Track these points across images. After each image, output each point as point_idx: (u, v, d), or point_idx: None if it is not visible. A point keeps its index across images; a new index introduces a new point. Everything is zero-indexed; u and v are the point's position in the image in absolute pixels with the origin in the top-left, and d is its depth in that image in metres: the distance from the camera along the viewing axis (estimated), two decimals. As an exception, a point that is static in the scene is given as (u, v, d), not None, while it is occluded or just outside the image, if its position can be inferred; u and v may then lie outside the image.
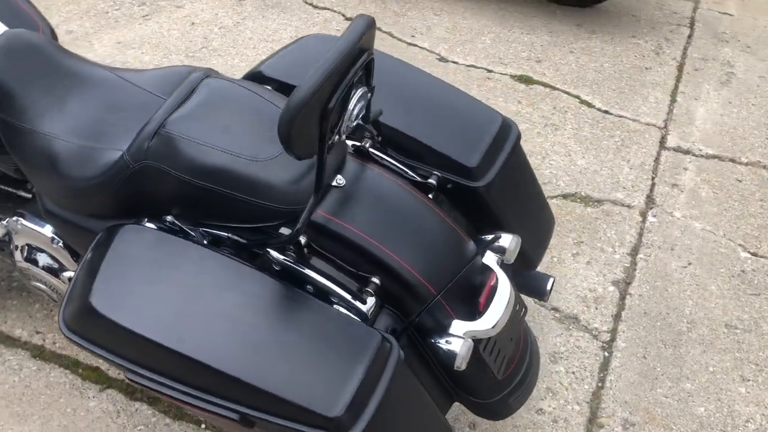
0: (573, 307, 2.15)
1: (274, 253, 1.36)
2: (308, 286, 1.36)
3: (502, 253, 1.51)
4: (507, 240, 1.52)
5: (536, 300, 1.90)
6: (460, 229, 1.50)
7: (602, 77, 3.19)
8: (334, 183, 1.40)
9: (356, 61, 1.19)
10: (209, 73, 1.54)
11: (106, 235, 1.39)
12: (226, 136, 1.39)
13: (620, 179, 2.64)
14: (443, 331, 1.39)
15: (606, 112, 2.99)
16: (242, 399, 1.22)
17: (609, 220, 2.46)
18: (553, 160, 2.72)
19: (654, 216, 2.49)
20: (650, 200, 2.55)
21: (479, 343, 1.44)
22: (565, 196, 2.56)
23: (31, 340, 2.00)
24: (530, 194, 1.72)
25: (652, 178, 2.65)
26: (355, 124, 1.29)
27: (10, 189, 1.79)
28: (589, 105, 3.02)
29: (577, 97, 3.06)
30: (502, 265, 1.52)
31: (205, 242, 1.40)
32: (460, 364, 1.36)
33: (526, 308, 1.63)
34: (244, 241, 1.39)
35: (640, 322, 2.12)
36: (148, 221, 1.43)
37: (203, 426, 1.81)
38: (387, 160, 1.55)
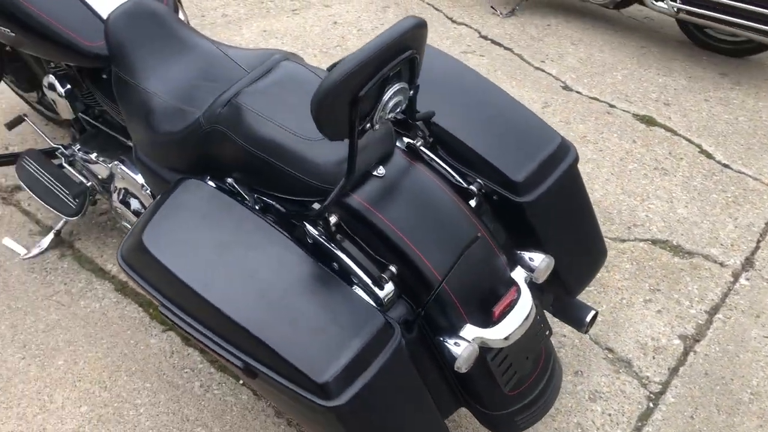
0: (629, 352, 2.08)
1: (309, 227, 1.45)
2: (334, 264, 1.44)
3: (531, 270, 1.52)
4: (538, 259, 1.52)
5: (576, 330, 1.86)
6: (492, 239, 1.52)
7: (732, 130, 3.03)
8: (375, 172, 1.47)
9: (395, 56, 1.25)
10: (288, 56, 1.66)
11: (173, 186, 1.55)
12: (287, 114, 1.50)
13: (720, 236, 2.50)
14: (454, 332, 1.42)
15: (726, 165, 2.83)
16: (248, 349, 1.32)
17: (695, 274, 2.35)
18: (653, 203, 2.62)
19: (747, 279, 2.34)
20: (748, 263, 2.40)
21: (488, 352, 1.45)
22: (654, 242, 2.46)
23: (118, 276, 2.23)
24: (580, 221, 1.69)
25: (758, 241, 2.49)
26: (391, 116, 1.34)
27: (117, 135, 2.02)
28: (709, 156, 2.88)
29: (699, 146, 2.93)
30: (531, 283, 1.52)
31: (256, 207, 1.52)
32: (461, 365, 1.38)
33: (550, 330, 1.61)
34: (284, 210, 1.50)
35: (697, 381, 2.01)
36: (210, 179, 1.58)
37: (240, 382, 1.95)
38: (435, 161, 1.60)
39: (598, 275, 2.32)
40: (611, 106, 3.16)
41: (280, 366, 1.28)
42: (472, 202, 1.58)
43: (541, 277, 1.53)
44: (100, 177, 2.12)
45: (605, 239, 2.41)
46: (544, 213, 1.60)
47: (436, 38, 3.58)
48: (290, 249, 1.40)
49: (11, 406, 1.86)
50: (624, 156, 2.85)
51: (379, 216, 1.43)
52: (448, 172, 1.59)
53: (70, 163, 2.19)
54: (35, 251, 2.24)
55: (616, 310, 2.21)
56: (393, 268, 1.42)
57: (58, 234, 2.28)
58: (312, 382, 1.25)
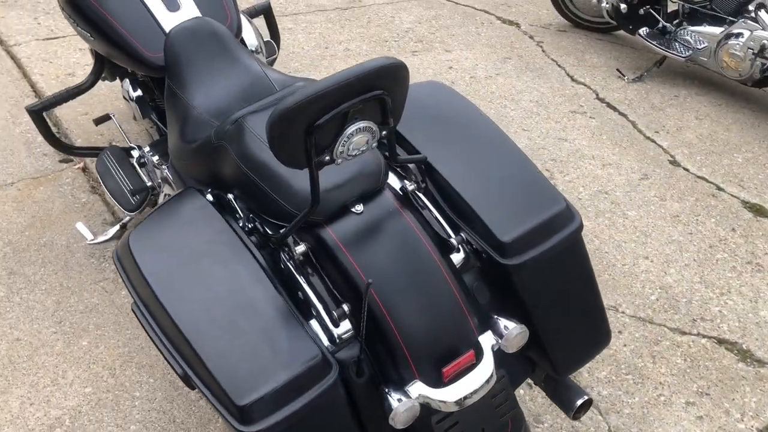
0: (648, 455, 1.87)
1: (282, 254, 1.46)
2: (300, 294, 1.44)
3: (500, 337, 1.41)
4: (510, 327, 1.41)
5: (565, 414, 1.69)
6: (465, 299, 1.43)
7: None
8: (353, 209, 1.44)
9: (359, 93, 1.22)
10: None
11: (177, 194, 1.62)
12: None
13: (804, 349, 2.19)
14: (402, 386, 1.36)
15: (838, 273, 2.49)
16: (188, 359, 1.34)
17: (758, 386, 2.06)
18: (732, 299, 2.35)
19: (823, 404, 2.02)
20: (831, 386, 2.08)
21: (434, 414, 1.37)
22: (720, 341, 2.20)
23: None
24: (578, 296, 1.55)
25: None
26: (355, 153, 1.30)
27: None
28: (820, 259, 2.54)
29: (811, 246, 2.60)
30: (499, 350, 1.42)
31: (248, 225, 1.53)
32: (395, 420, 1.31)
33: (518, 410, 1.48)
34: (268, 233, 1.51)
35: (720, 506, 1.76)
36: (210, 192, 1.63)
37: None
38: (427, 208, 1.54)
39: (639, 362, 2.11)
40: (719, 188, 2.89)
41: (209, 381, 1.29)
42: (457, 257, 1.50)
43: (511, 347, 1.42)
44: (159, 181, 2.26)
45: (663, 327, 2.20)
46: (533, 281, 1.48)
47: (548, 93, 3.48)
48: (251, 270, 1.40)
49: (29, 374, 2.02)
50: (715, 243, 2.59)
51: (345, 254, 1.40)
52: (437, 221, 1.53)
53: (141, 164, 2.36)
54: (101, 239, 2.42)
55: (650, 405, 1.99)
56: (346, 307, 1.38)
57: (123, 227, 2.45)
58: (232, 403, 1.24)
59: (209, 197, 1.60)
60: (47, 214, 2.57)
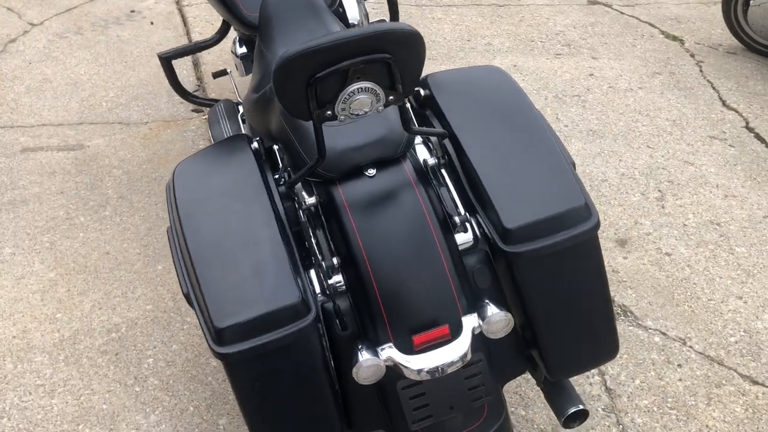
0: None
1: (296, 203, 1.53)
2: (306, 243, 1.50)
3: (483, 320, 1.38)
4: (494, 312, 1.38)
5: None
6: (457, 277, 1.41)
7: None
8: (366, 172, 1.47)
9: (362, 54, 1.23)
10: None
11: (229, 137, 1.74)
12: None
13: None
14: (375, 345, 1.38)
15: None
16: (191, 281, 1.45)
17: (826, 457, 1.81)
18: (829, 360, 2.08)
19: None
20: None
21: (401, 380, 1.37)
22: (796, 400, 1.96)
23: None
24: (583, 300, 1.46)
25: None
26: (359, 113, 1.32)
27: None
28: None
29: None
30: (482, 334, 1.39)
31: (281, 176, 1.61)
32: (357, 374, 1.34)
33: (498, 398, 1.44)
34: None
35: None
36: (257, 141, 1.72)
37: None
38: (445, 184, 1.53)
39: (691, 400, 1.93)
40: None
41: (201, 302, 1.39)
42: (464, 236, 1.48)
43: (492, 332, 1.38)
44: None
45: (733, 371, 2.01)
46: (533, 273, 1.42)
47: (690, 114, 3.24)
48: (266, 213, 1.47)
49: (106, 283, 2.26)
50: (830, 297, 2.29)
51: (348, 213, 1.44)
52: (450, 199, 1.51)
53: (243, 119, 2.53)
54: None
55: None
56: (335, 261, 1.42)
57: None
58: (212, 323, 1.33)
59: (255, 145, 1.69)
60: (166, 153, 2.83)
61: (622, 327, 2.18)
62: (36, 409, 1.92)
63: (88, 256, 2.35)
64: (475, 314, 1.39)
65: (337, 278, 1.43)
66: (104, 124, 2.99)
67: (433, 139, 1.57)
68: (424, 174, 1.53)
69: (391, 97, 1.32)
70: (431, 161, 1.54)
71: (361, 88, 1.28)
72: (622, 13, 4.23)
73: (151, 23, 3.77)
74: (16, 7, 3.82)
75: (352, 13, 2.34)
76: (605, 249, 2.46)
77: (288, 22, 1.99)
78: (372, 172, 1.46)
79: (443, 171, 1.55)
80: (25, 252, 2.36)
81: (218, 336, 1.28)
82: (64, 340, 2.08)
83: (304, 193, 1.50)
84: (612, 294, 2.29)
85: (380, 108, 1.33)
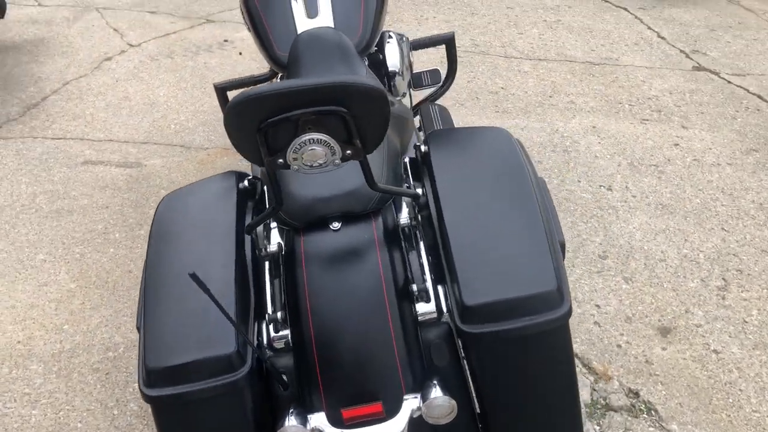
0: None
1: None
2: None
3: (424, 402, 1.25)
4: (436, 396, 1.25)
5: None
6: (405, 351, 1.29)
7: None
8: (330, 225, 1.40)
9: (315, 104, 1.16)
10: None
11: (222, 173, 1.70)
12: None
13: None
14: (308, 411, 1.29)
15: None
16: (142, 314, 1.43)
17: None
18: None
19: None
20: None
21: None
22: None
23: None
24: (545, 393, 1.29)
25: None
26: (313, 165, 1.25)
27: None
28: None
29: None
30: (420, 418, 1.26)
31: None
32: None
33: None
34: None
35: None
36: (249, 179, 1.67)
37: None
38: (414, 248, 1.42)
39: None
40: None
41: (142, 339, 1.35)
42: (426, 307, 1.36)
43: (430, 417, 1.25)
44: None
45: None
46: (491, 358, 1.28)
47: (737, 186, 2.92)
48: (226, 255, 1.42)
49: (117, 304, 2.28)
50: None
51: (302, 266, 1.36)
52: (419, 265, 1.40)
53: None
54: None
55: None
56: (279, 315, 1.34)
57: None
58: (144, 363, 1.29)
59: (245, 183, 1.65)
60: (214, 180, 2.88)
61: (640, 426, 1.95)
62: (15, 417, 1.94)
63: (111, 272, 2.39)
64: (419, 395, 1.27)
65: (285, 333, 1.35)
66: (167, 145, 3.08)
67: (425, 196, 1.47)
68: (395, 234, 1.43)
69: (348, 152, 1.24)
70: (404, 221, 1.44)
71: (313, 140, 1.22)
72: (729, 82, 3.92)
73: (240, 53, 3.89)
74: (122, 28, 4.06)
75: (393, 61, 2.28)
76: (644, 335, 2.23)
77: (313, 63, 1.96)
78: (336, 225, 1.38)
79: (418, 233, 1.45)
80: (55, 260, 2.44)
81: (147, 377, 1.24)
82: (63, 351, 2.11)
83: (265, 240, 1.44)
84: (638, 387, 2.06)
85: (337, 161, 1.25)
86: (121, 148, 3.01)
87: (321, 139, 1.21)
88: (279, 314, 1.34)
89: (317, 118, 1.18)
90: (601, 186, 2.95)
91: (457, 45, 4.07)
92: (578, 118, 3.45)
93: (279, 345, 1.34)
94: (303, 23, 2.07)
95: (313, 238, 1.37)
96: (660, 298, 2.40)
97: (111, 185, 2.81)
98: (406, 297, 1.33)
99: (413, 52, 2.76)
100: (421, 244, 1.42)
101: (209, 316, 1.29)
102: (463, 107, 3.50)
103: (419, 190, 1.52)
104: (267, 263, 1.44)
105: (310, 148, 1.21)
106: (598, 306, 2.35)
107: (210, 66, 3.75)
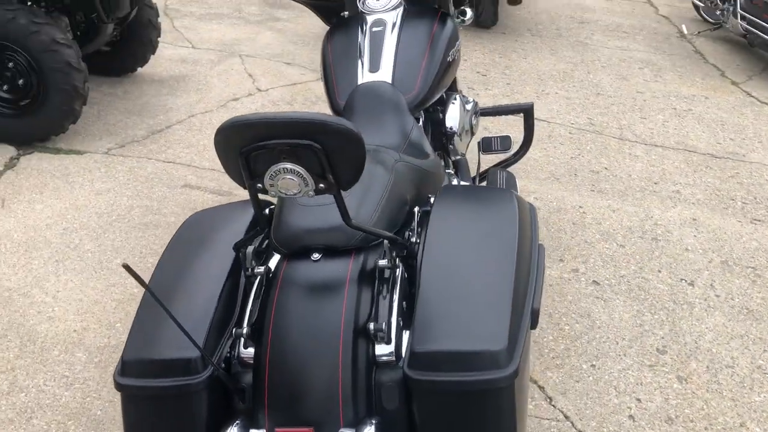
0: None
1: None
2: None
3: None
4: None
5: None
6: (351, 388, 1.29)
7: None
8: (311, 255, 1.45)
9: (289, 137, 1.23)
10: (401, 158, 1.72)
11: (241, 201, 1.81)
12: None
13: None
14: (250, 427, 1.34)
15: None
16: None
17: None
18: None
19: None
20: None
21: None
22: None
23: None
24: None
25: None
26: (287, 194, 1.30)
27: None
28: None
29: None
30: None
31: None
32: None
33: None
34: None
35: None
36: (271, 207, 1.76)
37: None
38: (389, 288, 1.44)
39: None
40: None
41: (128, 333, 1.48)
42: (385, 349, 1.37)
43: None
44: None
45: None
46: (430, 408, 1.28)
47: None
48: (221, 269, 1.50)
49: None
50: None
51: (276, 291, 1.42)
52: (388, 307, 1.40)
53: None
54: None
55: None
56: (244, 330, 1.40)
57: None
58: (122, 354, 1.41)
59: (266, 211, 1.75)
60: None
61: None
62: (49, 394, 2.12)
63: (173, 284, 2.57)
64: (354, 430, 1.27)
65: (249, 352, 1.41)
66: (262, 180, 3.29)
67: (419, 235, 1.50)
68: (372, 274, 1.46)
69: (321, 185, 1.31)
70: (382, 263, 1.47)
71: (287, 169, 1.29)
72: None
73: (356, 107, 4.08)
74: (256, 74, 4.41)
75: (452, 121, 2.30)
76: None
77: (363, 113, 2.04)
78: (316, 256, 1.43)
79: (397, 277, 1.47)
80: (129, 266, 2.66)
81: (122, 366, 1.34)
82: (108, 346, 2.29)
83: (253, 261, 1.50)
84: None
85: (311, 193, 1.32)
86: (219, 177, 3.24)
87: (294, 170, 1.28)
88: (245, 330, 1.39)
89: (292, 150, 1.25)
90: (682, 280, 2.76)
91: (572, 122, 4.05)
92: (679, 208, 3.26)
93: (248, 360, 1.39)
94: (364, 76, 2.16)
95: (295, 265, 1.43)
96: (714, 406, 2.19)
97: (199, 208, 3.03)
98: (364, 336, 1.35)
99: (493, 117, 2.78)
100: (397, 288, 1.44)
101: (188, 322, 1.37)
102: (557, 181, 3.43)
103: (413, 238, 1.55)
104: (256, 282, 1.50)
105: (284, 177, 1.29)
106: (638, 400, 2.19)
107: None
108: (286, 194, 1.31)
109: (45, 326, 2.37)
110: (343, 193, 1.44)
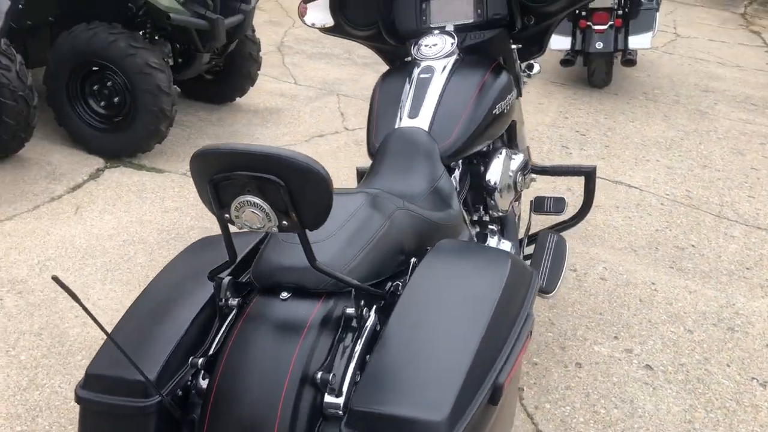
0: None
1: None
2: None
3: None
4: None
5: None
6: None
7: None
8: (281, 294, 1.39)
9: (252, 170, 1.22)
10: (403, 206, 1.65)
11: None
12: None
13: None
14: None
15: None
16: None
17: None
18: None
19: None
20: None
21: None
22: None
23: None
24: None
25: None
26: (250, 227, 1.28)
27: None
28: None
29: None
30: None
31: None
32: None
33: None
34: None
35: None
36: None
37: None
38: (353, 339, 1.36)
39: None
40: None
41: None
42: (335, 400, 1.29)
43: None
44: None
45: None
46: None
47: None
48: (200, 296, 1.48)
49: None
50: None
51: (239, 326, 1.39)
52: (347, 358, 1.34)
53: None
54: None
55: None
56: (200, 362, 1.37)
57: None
58: (88, 366, 1.43)
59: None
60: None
61: None
62: (61, 396, 2.17)
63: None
64: None
65: (204, 384, 1.38)
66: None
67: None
68: (337, 321, 1.39)
69: (284, 222, 1.28)
70: (349, 311, 1.40)
71: (251, 202, 1.27)
72: None
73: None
74: (347, 113, 4.45)
75: (493, 176, 2.18)
76: None
77: (392, 157, 1.99)
78: (285, 295, 1.39)
79: (365, 324, 1.40)
80: (171, 283, 2.72)
81: (84, 379, 1.36)
82: (128, 359, 2.33)
83: (228, 292, 1.47)
84: None
85: (274, 229, 1.29)
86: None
87: (258, 204, 1.25)
88: (200, 361, 1.36)
89: (257, 184, 1.24)
90: (753, 379, 2.45)
91: (668, 193, 3.78)
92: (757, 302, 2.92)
93: (204, 391, 1.35)
94: (402, 121, 2.11)
95: (263, 301, 1.39)
96: None
97: (255, 237, 3.07)
98: (312, 384, 1.29)
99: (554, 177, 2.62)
100: (363, 339, 1.37)
101: (152, 344, 1.36)
102: (634, 253, 3.18)
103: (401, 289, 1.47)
104: (230, 314, 1.47)
105: (248, 210, 1.27)
106: (664, 507, 1.93)
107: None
108: (250, 227, 1.29)
109: (77, 330, 2.45)
110: (325, 234, 1.41)
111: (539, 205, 2.47)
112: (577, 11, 5.23)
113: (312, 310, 1.36)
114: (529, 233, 2.54)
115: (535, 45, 2.40)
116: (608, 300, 2.82)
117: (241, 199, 1.26)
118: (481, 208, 2.24)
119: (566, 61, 5.21)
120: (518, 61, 2.43)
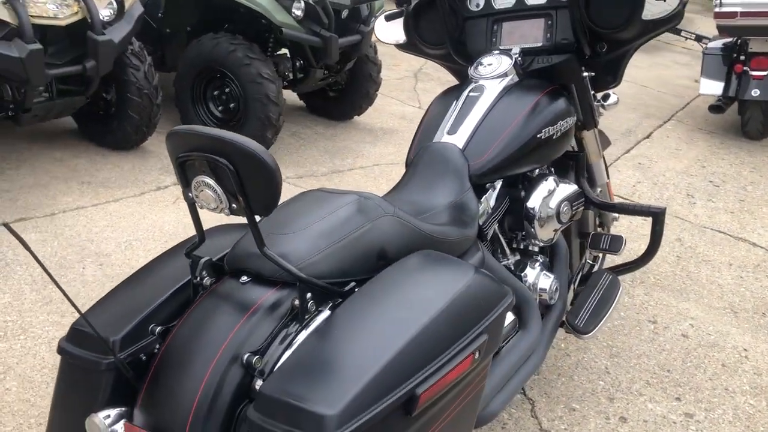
0: None
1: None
2: None
3: None
4: None
5: None
6: (207, 408, 1.28)
7: None
8: (241, 277, 1.44)
9: (201, 150, 1.27)
10: (394, 213, 1.62)
11: None
12: (301, 218, 1.54)
13: None
14: (126, 416, 1.37)
15: None
16: None
17: None
18: None
19: None
20: None
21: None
22: None
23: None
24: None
25: None
26: (207, 207, 1.33)
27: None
28: None
29: None
30: None
31: None
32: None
33: None
34: None
35: None
36: None
37: None
38: (296, 329, 1.37)
39: None
40: None
41: None
42: (260, 382, 1.32)
43: None
44: None
45: None
46: None
47: None
48: (182, 276, 1.55)
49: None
50: None
51: (197, 301, 1.44)
52: (283, 347, 1.35)
53: None
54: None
55: None
56: (159, 329, 1.43)
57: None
58: (74, 321, 1.53)
59: None
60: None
61: None
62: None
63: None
64: None
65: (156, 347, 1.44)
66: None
67: None
68: (285, 311, 1.40)
69: (233, 205, 1.32)
70: (296, 302, 1.40)
71: (205, 182, 1.32)
72: None
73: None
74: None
75: (533, 203, 2.04)
76: None
77: (421, 170, 1.95)
78: (245, 279, 1.43)
79: (312, 318, 1.40)
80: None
81: (68, 332, 1.46)
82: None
83: (204, 272, 1.51)
84: None
85: (226, 211, 1.33)
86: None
87: (209, 184, 1.31)
88: (158, 329, 1.42)
89: (212, 166, 1.29)
90: (837, 473, 2.06)
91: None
92: None
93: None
94: (440, 137, 2.06)
95: (226, 282, 1.44)
96: None
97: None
98: (240, 366, 1.31)
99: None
100: (307, 331, 1.37)
101: (127, 307, 1.46)
102: (732, 314, 2.82)
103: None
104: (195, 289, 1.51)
105: (205, 190, 1.33)
106: None
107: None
108: (207, 207, 1.34)
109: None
110: (298, 227, 1.46)
111: (595, 243, 2.29)
112: (735, 54, 4.82)
113: (262, 295, 1.38)
114: (593, 271, 2.36)
115: (610, 74, 2.27)
116: (683, 358, 2.53)
117: (198, 179, 1.31)
118: (520, 234, 2.12)
119: (716, 107, 4.81)
120: (592, 91, 2.30)
